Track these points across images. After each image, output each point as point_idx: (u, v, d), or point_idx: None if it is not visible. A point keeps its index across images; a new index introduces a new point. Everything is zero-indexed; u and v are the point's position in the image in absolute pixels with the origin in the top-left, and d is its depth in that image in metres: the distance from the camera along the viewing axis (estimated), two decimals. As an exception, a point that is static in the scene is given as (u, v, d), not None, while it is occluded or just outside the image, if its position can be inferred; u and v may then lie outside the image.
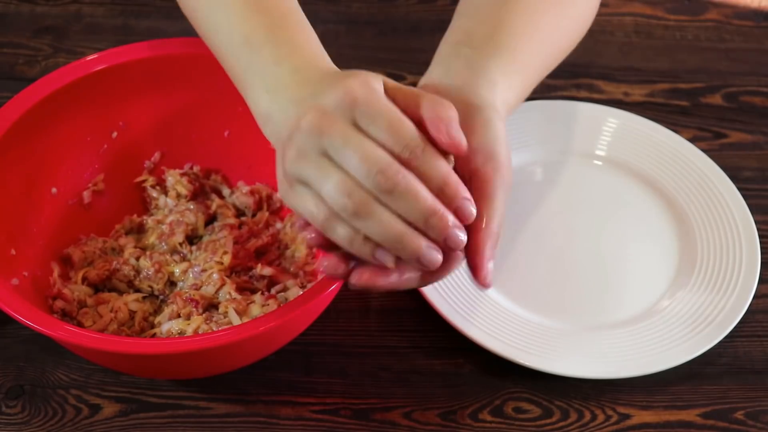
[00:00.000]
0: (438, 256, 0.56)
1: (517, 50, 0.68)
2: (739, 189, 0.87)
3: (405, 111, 0.57)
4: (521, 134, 0.90)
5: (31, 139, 0.75)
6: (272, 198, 0.82)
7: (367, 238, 0.56)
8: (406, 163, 0.55)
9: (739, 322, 0.78)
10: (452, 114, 0.57)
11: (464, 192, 0.56)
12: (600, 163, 0.90)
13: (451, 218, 0.55)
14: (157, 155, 0.83)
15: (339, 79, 0.57)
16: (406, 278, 0.59)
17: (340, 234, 0.56)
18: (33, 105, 0.74)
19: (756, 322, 0.81)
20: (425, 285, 0.60)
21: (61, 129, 0.77)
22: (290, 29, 0.65)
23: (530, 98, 0.95)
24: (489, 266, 0.58)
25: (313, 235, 0.58)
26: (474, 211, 0.56)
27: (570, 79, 0.99)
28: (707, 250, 0.83)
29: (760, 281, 0.81)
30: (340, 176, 0.55)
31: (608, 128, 0.92)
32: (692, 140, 0.92)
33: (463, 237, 0.56)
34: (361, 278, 0.58)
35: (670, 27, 1.07)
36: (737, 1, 1.10)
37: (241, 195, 0.82)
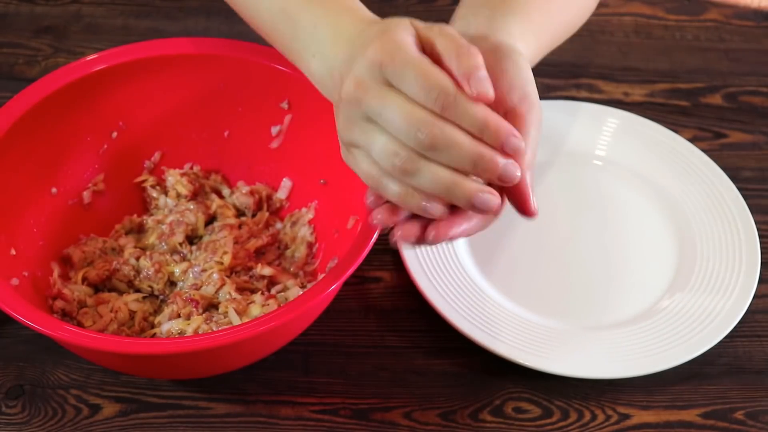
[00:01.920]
0: (492, 199, 0.57)
1: (533, 13, 0.70)
2: (739, 189, 0.87)
3: (435, 58, 0.57)
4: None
5: (30, 139, 0.75)
6: (272, 198, 0.82)
7: (418, 191, 0.58)
8: (441, 114, 0.56)
9: (739, 322, 0.78)
10: (479, 61, 0.57)
11: (507, 127, 0.57)
12: (600, 163, 0.90)
13: (498, 157, 0.56)
14: (157, 155, 0.83)
15: (369, 39, 0.58)
16: (474, 223, 0.61)
17: (393, 191, 0.58)
18: (33, 105, 0.74)
19: (756, 322, 0.81)
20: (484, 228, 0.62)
21: (61, 129, 0.77)
22: None
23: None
24: (533, 196, 0.60)
25: (372, 198, 0.62)
26: (521, 143, 0.57)
27: (570, 79, 0.99)
28: (707, 251, 0.83)
29: (760, 281, 0.81)
30: (385, 138, 0.57)
31: (608, 128, 0.92)
32: (692, 140, 0.92)
33: (515, 170, 0.57)
34: (408, 232, 0.60)
35: (669, 27, 1.07)
36: (737, 1, 1.10)
37: (241, 195, 0.82)
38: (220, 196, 0.83)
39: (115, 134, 0.81)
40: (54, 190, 0.78)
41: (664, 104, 0.98)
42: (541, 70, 0.99)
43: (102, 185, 0.81)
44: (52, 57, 0.98)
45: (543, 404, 0.75)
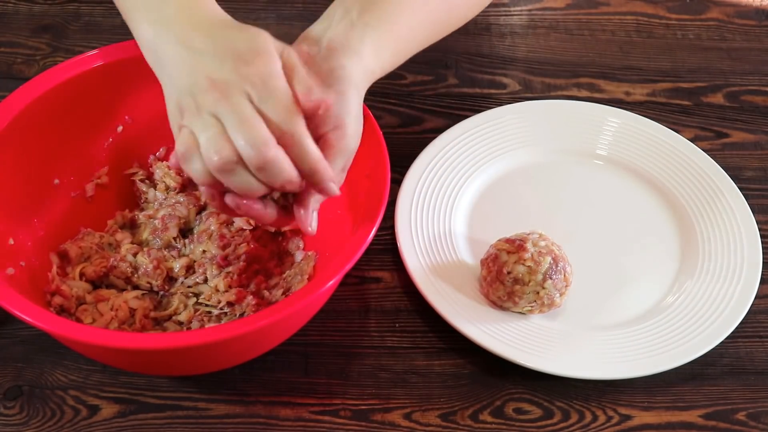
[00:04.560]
0: (273, 212, 0.66)
1: (397, 25, 0.72)
2: (741, 189, 0.86)
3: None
4: (521, 134, 0.90)
5: (33, 130, 0.75)
6: None
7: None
8: (282, 141, 0.61)
9: (741, 323, 0.78)
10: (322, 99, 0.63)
11: (331, 175, 0.64)
12: (601, 162, 0.90)
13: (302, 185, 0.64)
14: (162, 150, 0.83)
15: (241, 51, 0.62)
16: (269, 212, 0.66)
17: (196, 169, 0.63)
18: (37, 97, 0.74)
19: (758, 322, 0.80)
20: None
21: (65, 121, 0.77)
22: None
23: (530, 98, 0.95)
24: (313, 215, 0.66)
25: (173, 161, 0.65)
26: (335, 191, 0.64)
27: (571, 79, 0.99)
28: (709, 251, 0.83)
29: (762, 281, 0.81)
30: (216, 133, 0.61)
31: (609, 128, 0.91)
32: (694, 140, 0.91)
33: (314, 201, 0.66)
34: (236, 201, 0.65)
35: (671, 26, 1.06)
36: (739, 0, 1.09)
37: None
38: None
39: (120, 128, 0.81)
40: (56, 181, 0.78)
41: (665, 104, 0.98)
42: (541, 69, 0.99)
43: (105, 178, 0.81)
44: (51, 56, 0.98)
45: (544, 405, 0.75)
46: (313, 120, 0.64)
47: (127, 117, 0.81)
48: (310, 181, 0.63)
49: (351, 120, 0.66)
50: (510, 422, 0.73)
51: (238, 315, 0.74)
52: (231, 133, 0.61)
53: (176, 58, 0.64)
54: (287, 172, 0.62)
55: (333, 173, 0.64)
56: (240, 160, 0.61)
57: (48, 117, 0.75)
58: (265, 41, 0.63)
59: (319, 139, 0.65)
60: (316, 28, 0.70)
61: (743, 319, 0.78)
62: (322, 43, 0.68)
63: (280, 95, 0.61)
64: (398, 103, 0.95)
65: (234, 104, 0.61)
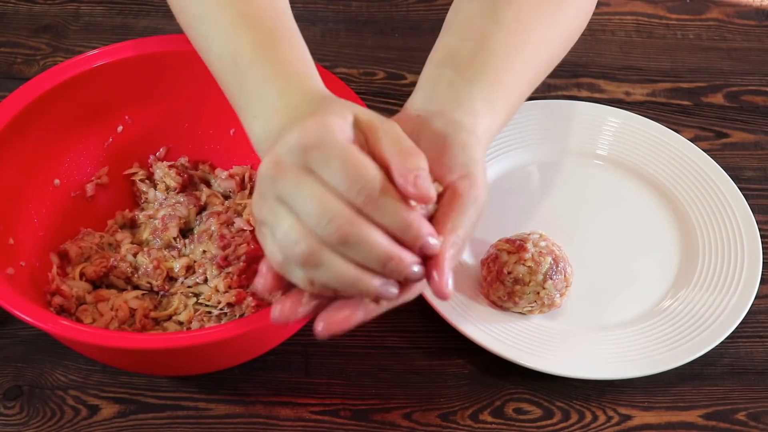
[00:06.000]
0: (394, 291, 0.55)
1: (502, 72, 0.66)
2: (741, 189, 0.86)
3: (373, 151, 0.55)
4: (521, 134, 0.90)
5: (33, 130, 0.75)
6: (254, 178, 0.82)
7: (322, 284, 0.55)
8: (361, 208, 0.53)
9: (741, 323, 0.78)
10: (422, 164, 0.55)
11: (427, 229, 0.54)
12: (601, 162, 0.90)
13: (407, 260, 0.54)
14: (162, 150, 0.83)
15: (303, 118, 0.55)
16: (373, 308, 0.57)
17: (298, 277, 0.55)
18: (37, 97, 0.74)
19: (758, 322, 0.80)
20: (398, 304, 0.59)
21: (65, 121, 0.77)
22: (278, 47, 0.64)
23: (530, 98, 0.95)
24: (447, 277, 0.56)
25: (262, 280, 0.58)
26: (438, 243, 0.55)
27: (571, 79, 0.99)
28: (709, 251, 0.83)
29: (762, 281, 0.81)
30: (292, 222, 0.54)
31: (609, 128, 0.91)
32: (694, 140, 0.91)
33: (421, 276, 0.55)
34: (328, 324, 0.56)
35: (671, 26, 1.06)
36: (739, 0, 1.09)
37: (222, 181, 0.82)
38: (209, 185, 0.83)
39: (120, 128, 0.81)
40: (57, 181, 0.78)
41: (665, 104, 0.98)
42: (541, 69, 0.99)
43: (106, 178, 0.81)
44: (51, 56, 0.98)
45: (544, 405, 0.75)
46: (435, 168, 0.57)
47: (127, 117, 0.81)
48: (407, 242, 0.54)
49: (479, 169, 0.59)
50: (510, 422, 0.73)
51: (237, 316, 0.74)
52: (297, 210, 0.53)
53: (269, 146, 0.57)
54: (373, 239, 0.53)
55: (430, 228, 0.55)
56: (319, 241, 0.53)
57: (48, 117, 0.75)
58: (337, 104, 0.57)
59: (445, 190, 0.58)
60: (416, 99, 0.64)
61: (743, 319, 0.78)
62: (429, 108, 0.62)
63: (338, 155, 0.53)
64: (398, 103, 0.94)
65: (292, 180, 0.53)
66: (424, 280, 0.56)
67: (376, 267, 0.54)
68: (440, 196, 0.58)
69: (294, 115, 0.58)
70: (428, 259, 0.55)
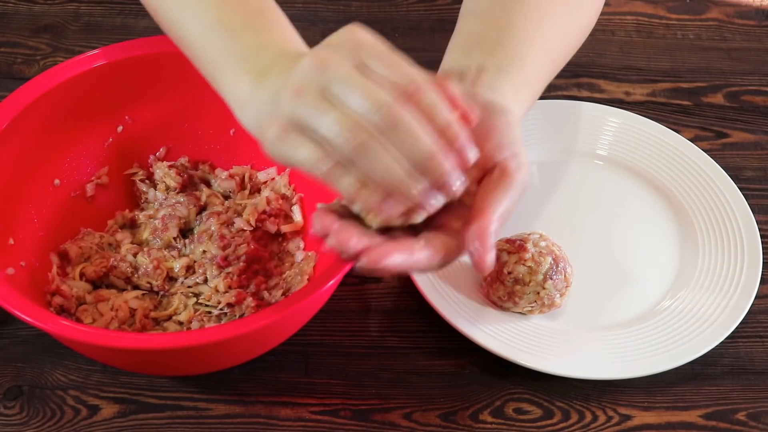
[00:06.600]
0: (434, 202, 0.56)
1: (526, 60, 0.67)
2: (741, 189, 0.86)
3: None
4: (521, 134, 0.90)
5: (33, 130, 0.75)
6: (254, 178, 0.82)
7: (373, 187, 0.55)
8: (410, 99, 0.54)
9: (741, 323, 0.78)
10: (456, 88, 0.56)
11: (467, 133, 0.55)
12: (601, 162, 0.90)
13: (449, 163, 0.55)
14: (162, 150, 0.83)
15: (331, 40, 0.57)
16: (417, 258, 0.58)
17: (345, 183, 0.55)
18: (37, 97, 0.74)
19: (758, 322, 0.80)
20: (435, 268, 0.59)
21: (65, 121, 0.77)
22: (270, 18, 0.65)
23: (531, 98, 0.95)
24: (490, 247, 0.57)
25: (319, 222, 0.57)
26: (474, 155, 0.56)
27: (571, 79, 0.99)
28: (709, 251, 0.83)
29: (762, 281, 0.81)
30: (340, 112, 0.53)
31: (609, 128, 0.91)
32: (694, 140, 0.91)
33: (459, 183, 0.56)
34: (370, 257, 0.56)
35: (671, 26, 1.06)
36: (739, 0, 1.09)
37: (222, 181, 0.82)
38: (209, 186, 0.83)
39: (120, 128, 0.81)
40: (57, 181, 0.78)
41: (665, 104, 0.98)
42: (541, 69, 0.99)
43: (106, 178, 0.81)
44: (51, 56, 0.98)
45: (544, 405, 0.75)
46: (483, 146, 0.57)
47: (127, 117, 0.81)
48: (445, 140, 0.54)
49: (523, 151, 0.60)
50: (510, 422, 0.73)
51: (237, 316, 0.74)
52: (346, 100, 0.53)
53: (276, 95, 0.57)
54: (421, 131, 0.53)
55: (469, 134, 0.55)
56: (371, 135, 0.53)
57: (48, 117, 0.75)
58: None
59: (494, 167, 0.59)
60: (449, 65, 0.65)
61: (743, 319, 0.78)
62: (465, 90, 0.60)
63: (389, 54, 0.55)
64: (398, 103, 0.95)
65: (342, 73, 0.54)
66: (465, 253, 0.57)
67: (420, 162, 0.54)
68: (487, 172, 0.58)
69: (295, 62, 0.57)
70: (473, 227, 0.57)
